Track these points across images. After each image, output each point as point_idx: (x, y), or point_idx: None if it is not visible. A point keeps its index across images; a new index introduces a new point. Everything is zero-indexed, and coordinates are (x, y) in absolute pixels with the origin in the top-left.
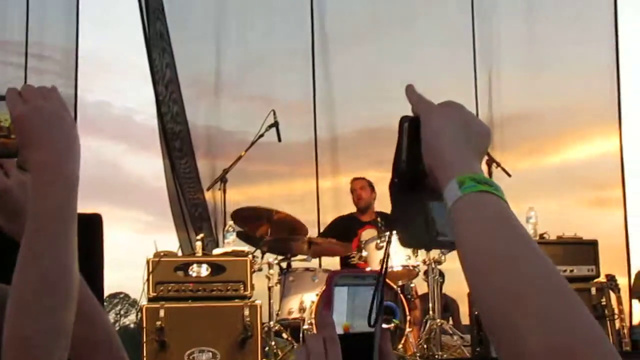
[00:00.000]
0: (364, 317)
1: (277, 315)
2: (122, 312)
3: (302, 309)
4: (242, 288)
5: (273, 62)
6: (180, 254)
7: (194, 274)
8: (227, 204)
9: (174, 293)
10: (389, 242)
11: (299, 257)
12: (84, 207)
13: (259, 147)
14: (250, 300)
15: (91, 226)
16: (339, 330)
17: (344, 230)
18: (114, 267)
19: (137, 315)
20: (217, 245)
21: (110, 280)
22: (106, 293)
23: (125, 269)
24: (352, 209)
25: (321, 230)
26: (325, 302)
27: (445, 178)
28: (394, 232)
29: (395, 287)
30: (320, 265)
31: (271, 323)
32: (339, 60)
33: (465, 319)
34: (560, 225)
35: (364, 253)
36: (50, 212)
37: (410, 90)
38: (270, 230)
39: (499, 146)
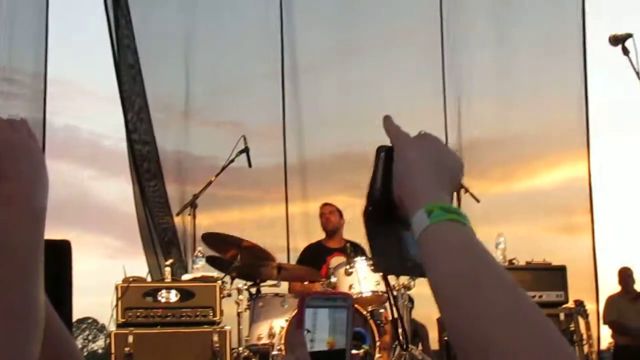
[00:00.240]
0: (336, 341)
1: (246, 340)
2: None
3: (271, 335)
4: (211, 314)
5: (243, 87)
6: (149, 279)
7: (163, 300)
8: (196, 229)
9: (142, 319)
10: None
11: (269, 282)
12: (52, 231)
13: (228, 172)
14: (220, 325)
15: (60, 253)
16: (318, 347)
17: (313, 258)
18: (82, 292)
19: (105, 341)
20: (186, 271)
21: (79, 305)
22: (74, 318)
23: (94, 295)
24: (321, 234)
25: (291, 255)
26: (297, 323)
27: (414, 207)
28: (369, 257)
29: (364, 312)
30: (289, 291)
31: (240, 349)
32: (309, 85)
33: (434, 345)
34: (529, 251)
35: (333, 279)
36: (17, 245)
37: (387, 121)
38: (240, 256)
39: (467, 172)
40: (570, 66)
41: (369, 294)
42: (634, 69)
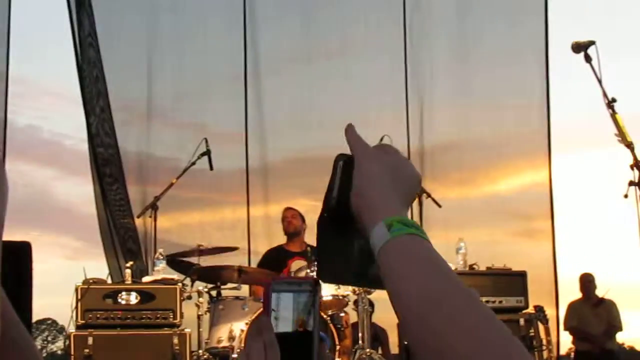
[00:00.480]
0: (305, 318)
1: (206, 343)
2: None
3: (231, 338)
4: (172, 316)
5: (205, 89)
6: (109, 281)
7: (123, 302)
8: (157, 231)
9: (102, 320)
10: None
11: (229, 285)
12: (12, 231)
13: (190, 174)
14: (180, 328)
15: (21, 254)
16: (286, 329)
17: (274, 262)
18: (42, 293)
19: (64, 342)
20: (146, 273)
21: (38, 306)
22: (33, 319)
23: (54, 296)
24: (283, 237)
25: (252, 258)
26: (264, 307)
27: (372, 220)
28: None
29: (325, 316)
30: (250, 294)
31: (200, 351)
32: (272, 89)
33: (394, 349)
34: (490, 256)
35: None
36: None
37: (349, 130)
38: (200, 259)
39: (429, 176)
40: (532, 73)
41: (330, 298)
42: (596, 76)
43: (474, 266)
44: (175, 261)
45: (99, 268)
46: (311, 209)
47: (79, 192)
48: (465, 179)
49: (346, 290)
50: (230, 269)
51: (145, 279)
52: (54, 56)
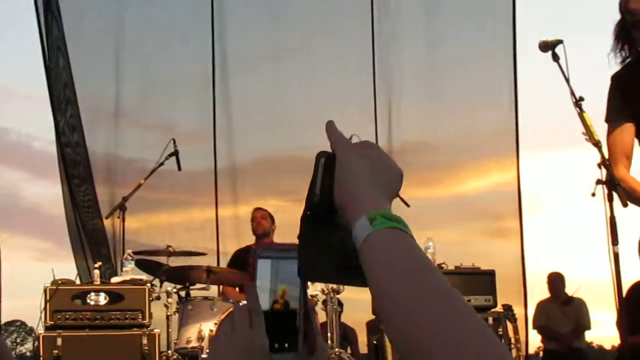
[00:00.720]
0: (289, 292)
1: (175, 344)
2: (18, 341)
3: (200, 338)
4: (140, 317)
5: (173, 89)
6: (78, 282)
7: (92, 303)
8: (126, 231)
9: (71, 321)
10: None
11: (198, 285)
12: None
13: (158, 175)
14: (149, 329)
15: None
16: (270, 299)
17: (242, 262)
18: (11, 294)
19: (33, 344)
20: (115, 274)
21: (7, 307)
22: (2, 321)
23: (22, 297)
24: (252, 238)
25: (220, 259)
26: (250, 274)
27: (355, 215)
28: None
29: None
30: (219, 294)
31: (169, 352)
32: (240, 88)
33: (363, 348)
34: (458, 256)
35: None
36: None
37: (329, 127)
38: (169, 259)
39: None
40: (500, 72)
41: None
42: (564, 75)
43: (443, 265)
44: (143, 262)
45: (67, 269)
46: (280, 209)
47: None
48: (434, 179)
49: (315, 290)
50: (199, 269)
51: (114, 279)
52: (21, 58)
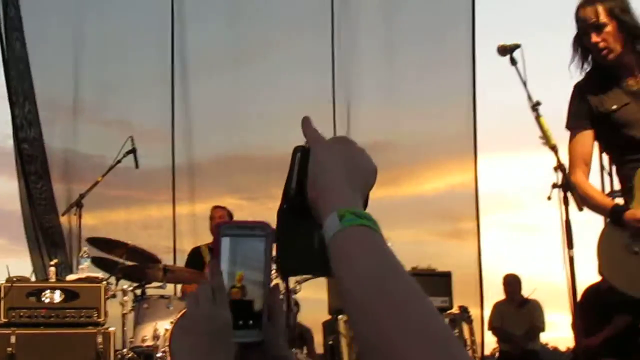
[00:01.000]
0: (252, 268)
1: (131, 342)
2: None
3: (155, 337)
4: (96, 315)
5: (132, 86)
6: (33, 279)
7: (47, 300)
8: (82, 229)
9: (26, 319)
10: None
11: (154, 284)
12: None
13: (116, 172)
14: (104, 327)
15: None
16: (228, 284)
17: (200, 260)
18: None
19: None
20: (71, 271)
21: None
22: None
23: None
24: (209, 235)
25: (177, 257)
26: (214, 251)
27: (326, 211)
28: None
29: None
30: (175, 293)
31: (124, 350)
32: (199, 87)
33: (319, 349)
34: (416, 256)
35: None
36: None
37: (305, 123)
38: (125, 257)
39: None
40: (459, 74)
41: None
42: (521, 79)
43: None
44: (100, 259)
45: (22, 266)
46: (237, 207)
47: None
48: (392, 179)
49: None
50: (155, 267)
51: (70, 277)
52: None
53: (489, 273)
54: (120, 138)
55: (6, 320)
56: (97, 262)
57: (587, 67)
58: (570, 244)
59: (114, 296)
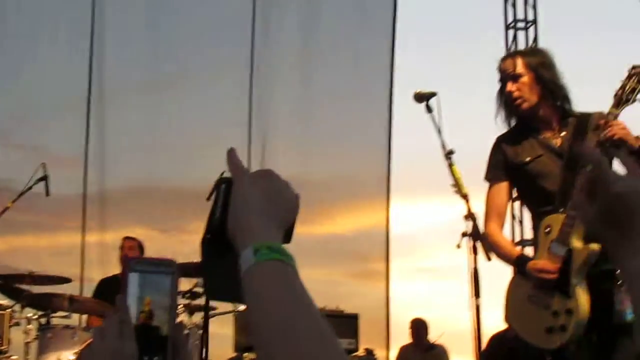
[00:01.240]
0: (158, 303)
1: None
2: None
3: None
4: None
5: (47, 111)
6: None
7: None
8: None
9: None
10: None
11: (59, 313)
12: None
13: (26, 196)
14: (6, 355)
15: None
16: (138, 310)
17: (108, 292)
18: None
19: None
20: None
21: None
22: None
23: None
24: (117, 265)
25: (85, 285)
26: (122, 286)
27: (243, 244)
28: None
29: None
30: (80, 323)
31: None
32: (114, 115)
33: None
34: (326, 296)
35: None
36: None
37: (230, 155)
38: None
39: None
40: (375, 117)
41: None
42: (436, 127)
43: None
44: (5, 286)
45: None
46: (148, 238)
47: None
48: (304, 218)
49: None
50: (61, 297)
51: None
52: None
53: (397, 316)
54: (33, 162)
55: None
56: (2, 289)
57: (513, 121)
58: (477, 293)
59: (17, 324)
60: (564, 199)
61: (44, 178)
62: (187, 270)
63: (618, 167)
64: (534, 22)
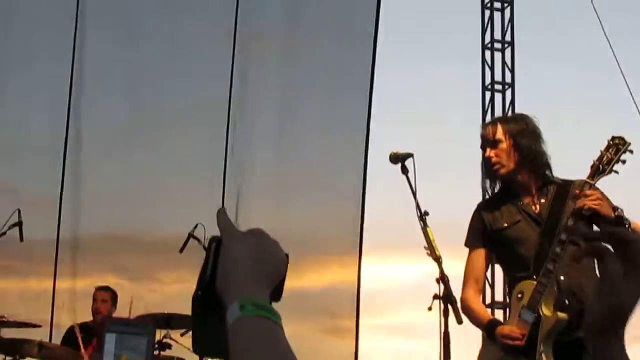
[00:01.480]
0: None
1: None
2: None
3: None
4: None
5: (22, 153)
6: None
7: None
8: None
9: None
10: None
11: (28, 359)
12: None
13: None
14: None
15: None
16: None
17: (75, 339)
18: None
19: None
20: None
21: None
22: None
23: None
24: (88, 313)
25: (54, 331)
26: (98, 346)
27: (230, 300)
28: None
29: None
30: None
31: None
32: (91, 161)
33: None
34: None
35: None
36: None
37: (220, 214)
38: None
39: None
40: (349, 173)
41: None
42: (411, 188)
43: None
44: None
45: None
46: (119, 287)
47: None
48: None
49: None
50: (31, 343)
51: None
52: None
53: None
54: (6, 205)
55: None
56: None
57: (497, 187)
58: (447, 356)
59: None
60: (539, 266)
61: (18, 224)
62: (157, 321)
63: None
64: (512, 85)
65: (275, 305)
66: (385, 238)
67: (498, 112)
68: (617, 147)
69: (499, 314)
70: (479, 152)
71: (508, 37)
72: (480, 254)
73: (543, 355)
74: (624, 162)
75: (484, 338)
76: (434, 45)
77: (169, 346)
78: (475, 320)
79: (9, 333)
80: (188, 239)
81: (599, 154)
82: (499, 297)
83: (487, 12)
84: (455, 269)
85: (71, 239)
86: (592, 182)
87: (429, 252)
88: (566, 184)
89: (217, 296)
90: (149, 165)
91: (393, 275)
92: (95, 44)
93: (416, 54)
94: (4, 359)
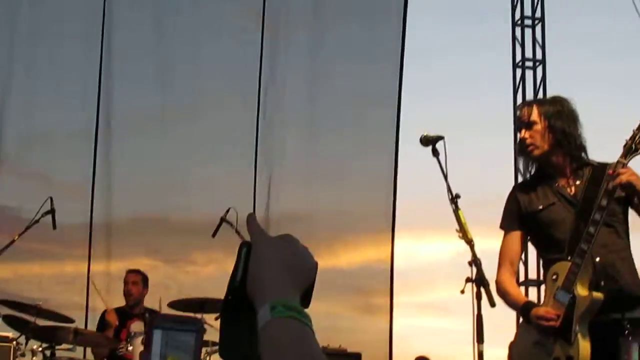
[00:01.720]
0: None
1: None
2: None
3: None
4: None
5: (55, 141)
6: None
7: None
8: None
9: None
10: None
11: (64, 346)
12: None
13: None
14: None
15: None
16: None
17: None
18: None
19: None
20: None
21: None
22: None
23: None
24: (121, 294)
25: (89, 315)
26: (145, 344)
27: (261, 303)
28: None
29: None
30: (84, 356)
31: None
32: (122, 145)
33: None
34: (328, 331)
35: (130, 347)
36: None
37: (250, 219)
38: (37, 316)
39: None
40: (381, 152)
41: None
42: (442, 170)
43: None
44: (11, 318)
45: None
46: (153, 268)
47: None
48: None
49: None
50: (66, 330)
51: None
52: None
53: (400, 352)
54: (40, 191)
55: None
56: (8, 321)
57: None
58: (480, 339)
59: (23, 355)
60: (574, 248)
61: (51, 212)
62: (192, 305)
63: None
64: (542, 62)
65: None
66: (419, 217)
67: (529, 90)
68: None
69: (532, 291)
70: (511, 130)
71: (538, 14)
72: (516, 236)
73: (579, 336)
74: None
75: (519, 321)
76: (464, 23)
77: (204, 330)
78: (510, 303)
79: (44, 321)
80: (220, 223)
81: (631, 133)
82: (532, 274)
83: None
84: (488, 246)
85: (104, 223)
86: (624, 161)
87: (460, 235)
88: (602, 167)
89: (248, 301)
90: (179, 147)
91: (427, 254)
92: (124, 29)
93: (446, 32)
94: (40, 346)
